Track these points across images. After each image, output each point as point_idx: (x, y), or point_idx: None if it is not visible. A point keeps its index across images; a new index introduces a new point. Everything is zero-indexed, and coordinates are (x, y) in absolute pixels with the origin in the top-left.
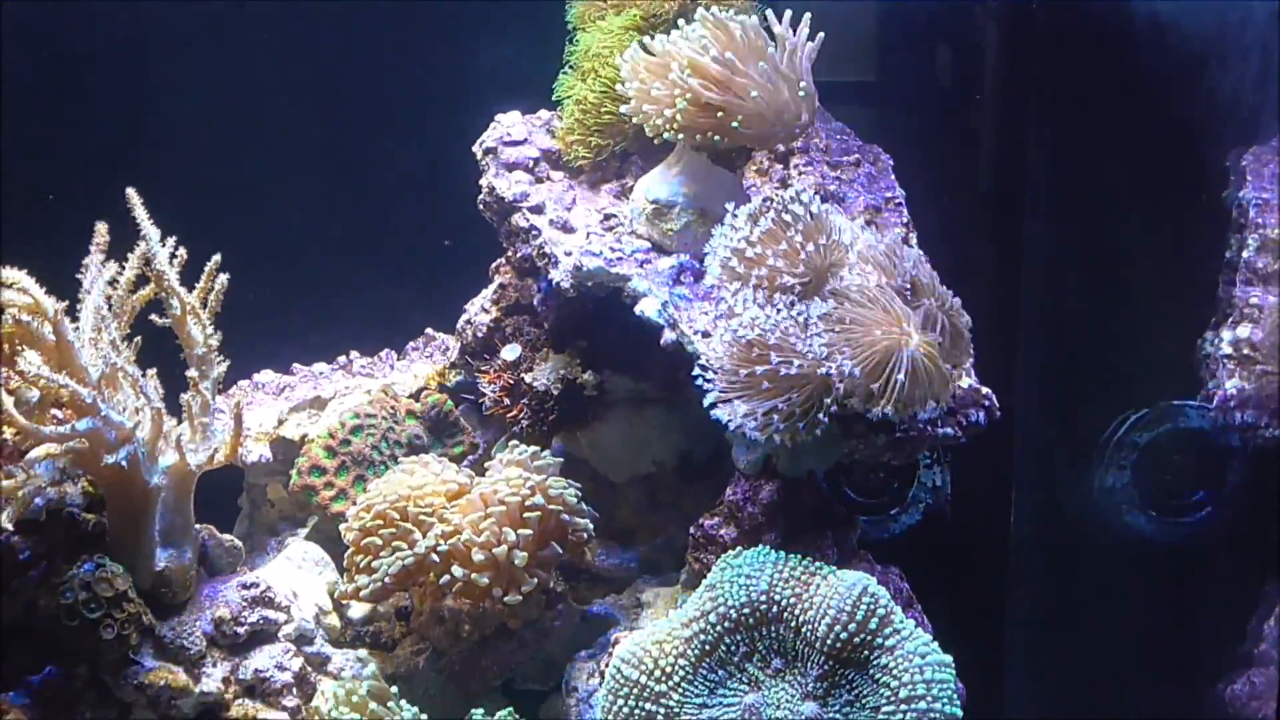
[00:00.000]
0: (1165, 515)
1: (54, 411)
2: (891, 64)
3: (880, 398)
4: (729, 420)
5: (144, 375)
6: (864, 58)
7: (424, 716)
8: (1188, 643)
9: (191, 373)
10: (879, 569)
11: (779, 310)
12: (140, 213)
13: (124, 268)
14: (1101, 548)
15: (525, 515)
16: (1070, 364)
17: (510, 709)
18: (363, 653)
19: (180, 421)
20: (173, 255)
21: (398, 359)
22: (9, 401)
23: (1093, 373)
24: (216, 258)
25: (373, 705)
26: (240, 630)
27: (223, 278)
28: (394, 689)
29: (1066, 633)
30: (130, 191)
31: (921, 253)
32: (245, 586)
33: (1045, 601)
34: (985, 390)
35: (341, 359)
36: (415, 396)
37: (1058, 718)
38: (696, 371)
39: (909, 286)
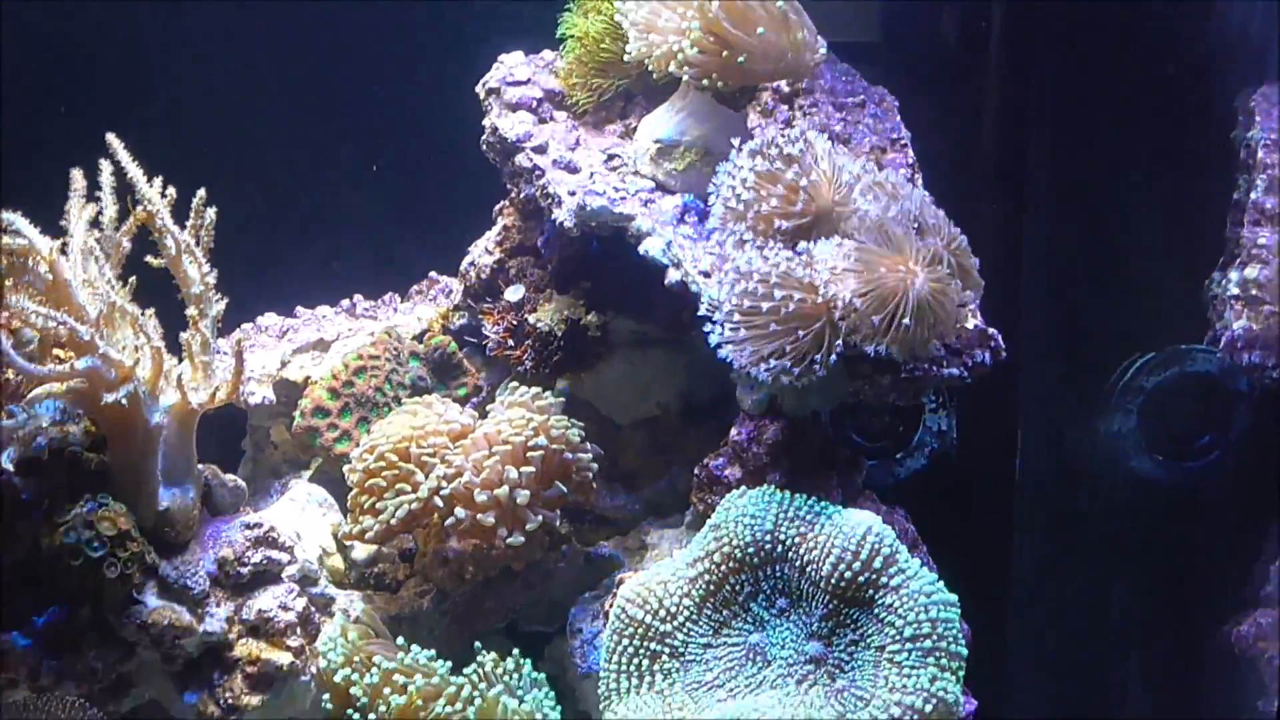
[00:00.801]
0: (1172, 459)
1: (55, 352)
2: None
3: (885, 336)
4: (734, 360)
5: (143, 315)
6: None
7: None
8: (1194, 585)
9: (190, 311)
10: (884, 510)
11: (778, 249)
12: (123, 156)
13: (103, 208)
14: (1108, 492)
15: (528, 455)
16: (1076, 308)
17: (517, 651)
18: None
19: (181, 361)
20: (162, 193)
21: (401, 302)
22: (7, 342)
23: (1099, 316)
24: (201, 193)
25: (377, 655)
26: (244, 570)
27: (210, 212)
28: (399, 640)
29: (1073, 576)
30: (110, 137)
31: (927, 193)
32: (249, 527)
33: (1051, 545)
34: (991, 331)
35: (345, 302)
36: (419, 338)
37: (1063, 660)
38: (702, 312)
39: (915, 225)
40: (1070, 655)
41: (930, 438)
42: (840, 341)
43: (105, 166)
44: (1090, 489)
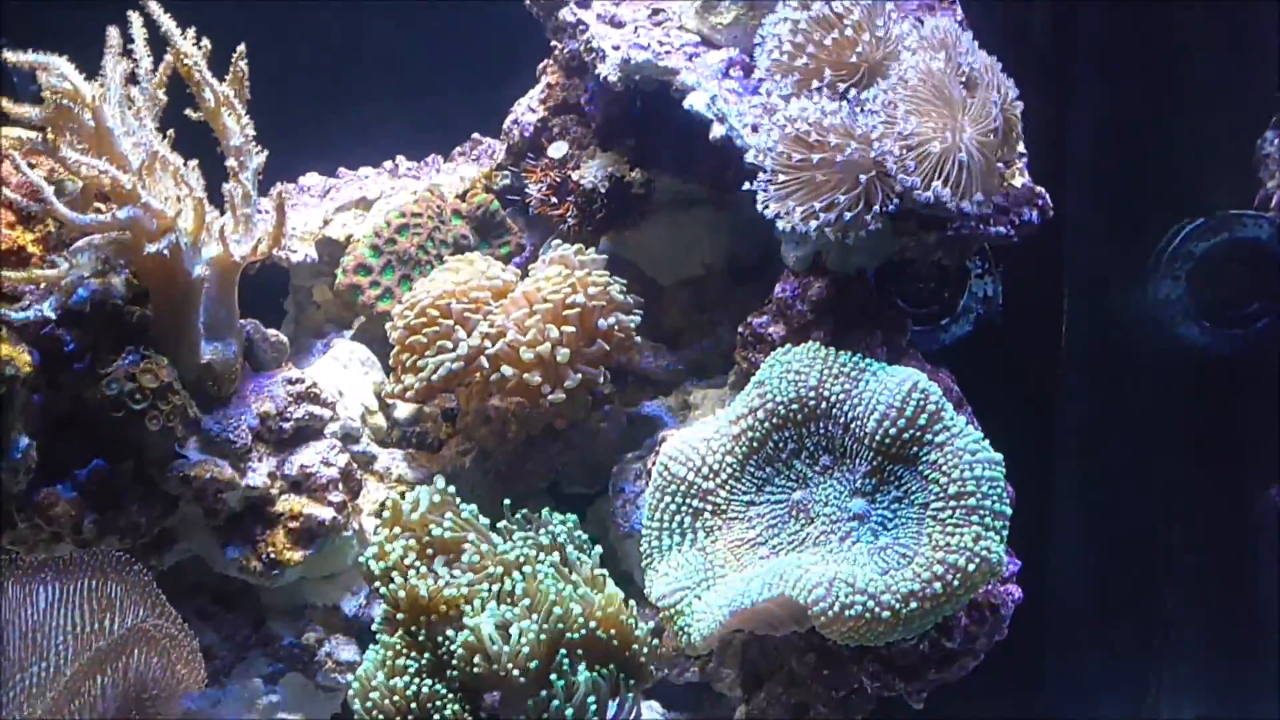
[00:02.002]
0: (1220, 326)
1: (96, 205)
2: None
3: (931, 188)
4: (779, 214)
5: (185, 165)
6: None
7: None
8: (1240, 450)
9: (230, 163)
10: (930, 369)
11: (827, 99)
12: (154, 7)
13: (138, 61)
14: (1155, 359)
15: (566, 312)
16: (1125, 171)
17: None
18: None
19: (223, 214)
20: (196, 44)
21: (444, 163)
22: (50, 190)
23: (1148, 180)
24: (241, 47)
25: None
26: (286, 425)
27: (243, 64)
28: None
29: (1118, 441)
30: None
31: (977, 45)
32: (291, 382)
33: (1096, 411)
34: (1039, 189)
35: (387, 163)
36: (462, 197)
37: (1106, 523)
38: (748, 164)
39: (964, 78)
40: (1114, 519)
41: (976, 304)
42: (888, 194)
43: (135, 20)
44: (1137, 356)
